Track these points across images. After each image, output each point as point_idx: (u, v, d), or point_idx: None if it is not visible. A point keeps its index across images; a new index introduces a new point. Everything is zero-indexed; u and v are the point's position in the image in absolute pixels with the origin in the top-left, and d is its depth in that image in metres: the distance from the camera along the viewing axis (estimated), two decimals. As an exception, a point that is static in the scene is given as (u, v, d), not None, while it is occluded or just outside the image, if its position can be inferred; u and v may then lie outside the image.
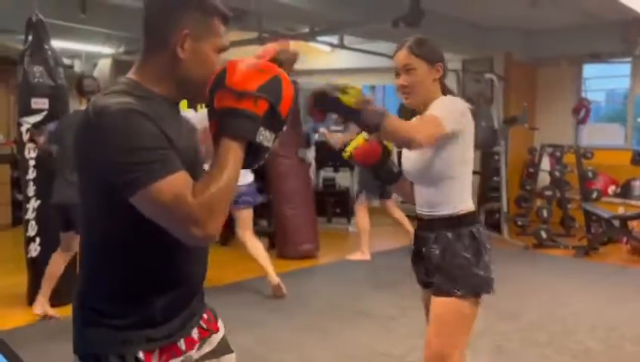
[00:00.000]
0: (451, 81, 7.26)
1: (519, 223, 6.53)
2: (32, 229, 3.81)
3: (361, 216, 5.20)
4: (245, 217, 4.04)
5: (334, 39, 6.31)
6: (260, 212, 6.32)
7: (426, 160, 1.84)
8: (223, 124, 1.10)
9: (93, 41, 6.48)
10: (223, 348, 1.35)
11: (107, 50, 6.71)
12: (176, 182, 1.04)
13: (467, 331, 1.87)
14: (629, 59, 6.73)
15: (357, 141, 1.92)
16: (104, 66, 6.37)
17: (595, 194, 5.98)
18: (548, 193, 6.05)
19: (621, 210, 6.22)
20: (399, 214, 5.21)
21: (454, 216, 1.85)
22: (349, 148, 1.93)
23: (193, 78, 1.17)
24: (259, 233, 5.58)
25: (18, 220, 5.47)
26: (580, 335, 3.44)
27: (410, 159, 1.90)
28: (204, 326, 1.30)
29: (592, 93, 7.65)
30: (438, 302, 1.84)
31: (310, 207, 5.41)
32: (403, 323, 3.61)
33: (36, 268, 3.82)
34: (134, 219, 1.07)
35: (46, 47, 3.78)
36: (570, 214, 6.42)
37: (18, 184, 4.78)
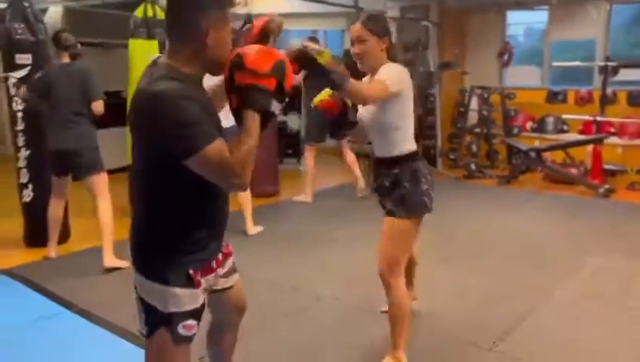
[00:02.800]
0: (392, 29, 7.81)
1: (451, 157, 7.37)
2: (24, 177, 4.12)
3: (308, 160, 5.72)
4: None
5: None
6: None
7: (377, 114, 2.33)
8: (245, 98, 1.46)
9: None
10: (232, 268, 1.79)
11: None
12: (218, 147, 1.40)
13: (408, 244, 2.44)
14: (547, 7, 7.52)
15: (323, 95, 2.38)
16: (55, 14, 6.33)
17: (515, 130, 6.86)
18: (477, 130, 6.86)
19: (537, 143, 7.16)
20: (351, 158, 5.76)
21: (399, 156, 2.37)
22: (316, 101, 2.40)
23: (217, 59, 1.50)
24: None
25: None
26: (504, 246, 4.27)
27: (366, 113, 2.37)
28: (224, 250, 1.73)
29: (514, 34, 8.43)
30: (387, 221, 2.42)
31: (273, 152, 5.93)
32: (365, 245, 4.31)
33: (30, 211, 4.16)
34: (186, 175, 1.42)
35: (26, 4, 3.96)
36: (495, 148, 7.33)
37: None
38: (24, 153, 4.08)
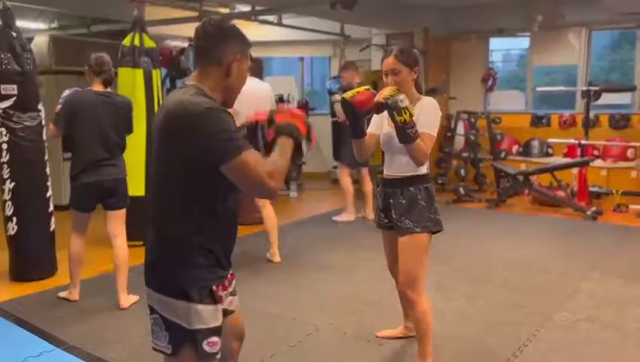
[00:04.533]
0: (380, 56, 7.90)
1: (440, 182, 7.39)
2: (9, 209, 3.99)
3: (345, 180, 5.80)
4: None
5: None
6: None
7: None
8: (281, 127, 1.66)
9: (24, 17, 6.39)
10: (235, 290, 1.83)
11: (40, 25, 6.63)
12: (254, 154, 1.51)
13: (426, 260, 2.54)
14: (528, 33, 7.68)
15: (358, 89, 2.45)
16: (41, 43, 6.28)
17: (503, 154, 6.93)
18: (465, 154, 6.91)
19: (523, 167, 7.24)
20: (369, 187, 5.83)
21: (418, 175, 2.52)
22: (351, 92, 2.42)
23: (235, 87, 1.66)
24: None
25: None
26: (500, 270, 4.25)
27: (393, 136, 2.43)
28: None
29: (495, 57, 8.59)
30: (406, 239, 2.51)
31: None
32: (360, 270, 4.27)
33: (15, 244, 4.03)
34: (217, 188, 1.55)
35: (13, 33, 3.91)
36: (482, 172, 7.38)
37: None
38: (9, 185, 3.96)
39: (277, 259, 4.52)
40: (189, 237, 1.56)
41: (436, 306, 3.37)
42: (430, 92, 7.17)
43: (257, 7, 5.91)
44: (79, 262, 3.64)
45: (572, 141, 6.80)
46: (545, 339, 3.04)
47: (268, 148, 1.66)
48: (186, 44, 6.13)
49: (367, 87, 2.48)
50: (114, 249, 3.59)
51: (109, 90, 3.56)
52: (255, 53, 9.16)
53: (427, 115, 2.43)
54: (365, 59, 8.27)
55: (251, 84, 3.34)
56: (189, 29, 7.04)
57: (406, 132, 2.28)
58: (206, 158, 1.49)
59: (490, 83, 8.09)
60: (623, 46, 9.06)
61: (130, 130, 3.64)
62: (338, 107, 5.72)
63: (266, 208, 4.54)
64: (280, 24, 6.50)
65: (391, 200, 2.57)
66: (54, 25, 6.54)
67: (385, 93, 2.32)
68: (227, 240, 1.66)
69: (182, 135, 1.50)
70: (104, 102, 3.48)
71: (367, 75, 7.77)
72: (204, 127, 1.47)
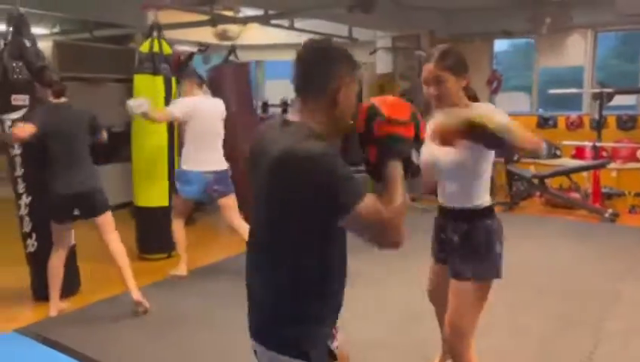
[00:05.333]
0: (386, 58, 7.84)
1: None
2: (27, 225, 3.79)
3: None
4: (232, 204, 4.13)
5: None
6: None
7: (465, 158, 2.02)
8: (387, 148, 1.42)
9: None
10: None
11: (41, 30, 6.40)
12: (373, 200, 1.33)
13: (476, 311, 2.12)
14: (534, 35, 7.67)
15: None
16: (45, 49, 6.05)
17: (516, 157, 6.88)
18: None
19: (532, 169, 7.21)
20: None
21: (475, 209, 2.08)
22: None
23: (344, 116, 1.46)
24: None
25: None
26: (531, 275, 4.15)
27: (445, 157, 2.06)
28: None
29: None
30: (456, 285, 2.11)
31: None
32: (393, 281, 4.15)
33: (36, 262, 3.83)
34: (334, 237, 1.39)
35: (25, 41, 3.71)
36: (492, 175, 7.32)
37: None
38: (25, 200, 3.76)
39: None
40: (308, 289, 1.41)
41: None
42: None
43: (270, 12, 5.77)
44: (58, 276, 3.62)
45: (587, 143, 6.79)
46: (607, 350, 2.95)
47: (373, 173, 1.44)
48: (195, 49, 5.98)
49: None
50: (111, 251, 3.58)
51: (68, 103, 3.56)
52: (252, 56, 9.00)
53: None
54: (369, 62, 8.19)
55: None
56: (198, 34, 6.82)
57: (501, 142, 1.79)
58: (323, 210, 1.32)
59: (495, 85, 8.05)
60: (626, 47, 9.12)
61: (102, 129, 3.69)
62: None
63: (242, 229, 4.15)
64: (292, 27, 6.37)
65: (442, 235, 2.21)
66: (56, 30, 6.32)
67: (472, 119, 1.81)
68: (342, 291, 1.50)
69: (294, 188, 1.34)
70: (71, 112, 3.51)
71: (374, 79, 7.69)
72: (319, 176, 1.30)
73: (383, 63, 8.04)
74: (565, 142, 7.12)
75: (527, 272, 4.24)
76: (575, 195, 6.28)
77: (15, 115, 3.65)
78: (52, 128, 3.44)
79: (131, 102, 3.93)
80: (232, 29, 8.57)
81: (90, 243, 3.89)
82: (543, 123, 7.68)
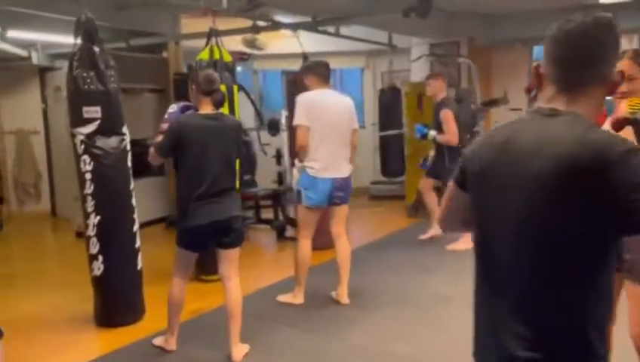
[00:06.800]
0: (423, 66, 7.62)
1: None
2: (94, 247, 3.52)
3: (430, 197, 5.42)
4: (345, 212, 4.00)
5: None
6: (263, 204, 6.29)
7: None
8: None
9: (61, 30, 5.91)
10: None
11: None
12: None
13: None
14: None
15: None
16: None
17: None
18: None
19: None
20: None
21: None
22: None
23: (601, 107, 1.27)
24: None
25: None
26: None
27: None
28: None
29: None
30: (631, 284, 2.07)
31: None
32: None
33: (102, 286, 3.57)
34: (609, 261, 1.14)
35: (95, 49, 3.46)
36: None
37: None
38: (93, 220, 3.49)
39: (345, 300, 3.89)
40: (585, 325, 1.14)
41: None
42: (490, 103, 6.91)
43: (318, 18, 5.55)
44: (179, 307, 3.20)
45: None
46: None
47: None
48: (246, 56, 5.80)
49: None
50: (226, 292, 3.15)
51: (218, 111, 3.14)
52: (285, 65, 8.73)
53: None
54: (402, 69, 7.98)
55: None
56: (236, 42, 6.54)
57: None
58: (619, 221, 1.07)
59: (534, 93, 7.84)
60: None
61: (240, 154, 3.24)
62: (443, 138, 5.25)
63: (342, 238, 3.98)
64: (337, 34, 6.15)
65: None
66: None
67: (629, 105, 1.96)
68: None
69: (589, 190, 1.08)
70: (218, 127, 3.05)
71: (410, 87, 7.47)
72: (625, 177, 1.05)
73: (418, 71, 7.82)
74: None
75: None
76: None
77: (87, 129, 3.39)
78: (181, 145, 3.08)
79: None
80: (261, 37, 8.37)
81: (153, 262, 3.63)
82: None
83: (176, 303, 3.17)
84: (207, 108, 3.06)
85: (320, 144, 3.72)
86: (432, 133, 5.29)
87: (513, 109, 7.35)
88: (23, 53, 6.25)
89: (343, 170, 3.84)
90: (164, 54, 6.96)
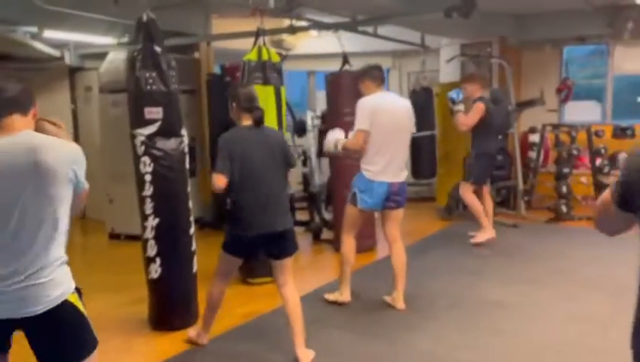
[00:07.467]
0: (453, 66, 7.56)
1: (525, 199, 7.03)
2: (152, 249, 3.48)
3: (470, 198, 5.40)
4: (401, 216, 3.98)
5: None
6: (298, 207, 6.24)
7: None
8: None
9: (92, 30, 5.89)
10: None
11: (108, 40, 6.12)
12: None
13: None
14: (609, 41, 7.42)
15: None
16: (118, 61, 5.76)
17: (606, 169, 6.61)
18: (565, 170, 6.54)
19: (612, 181, 6.92)
20: (489, 204, 5.53)
21: None
22: None
23: None
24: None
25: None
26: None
27: None
28: None
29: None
30: None
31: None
32: (533, 308, 3.82)
33: (158, 290, 3.52)
34: None
35: (157, 49, 3.42)
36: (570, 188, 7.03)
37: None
38: (152, 222, 3.45)
39: (401, 305, 3.85)
40: None
41: None
42: (526, 104, 6.85)
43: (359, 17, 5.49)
44: (217, 307, 3.26)
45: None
46: None
47: None
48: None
49: None
50: (284, 297, 3.15)
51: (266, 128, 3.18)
52: (310, 66, 8.72)
53: None
54: (431, 69, 7.91)
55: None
56: (250, 43, 6.47)
57: None
58: None
59: (565, 94, 7.78)
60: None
61: (293, 165, 3.21)
62: (460, 117, 5.33)
63: (398, 243, 3.94)
64: (375, 35, 6.09)
65: None
66: (124, 39, 6.01)
67: None
68: None
69: None
70: (266, 140, 3.05)
71: (442, 88, 7.41)
72: None
73: (447, 72, 7.76)
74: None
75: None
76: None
77: (148, 130, 3.35)
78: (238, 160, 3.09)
79: (330, 139, 3.86)
80: (289, 38, 8.32)
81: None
82: (620, 133, 7.39)
83: (215, 304, 3.22)
84: (247, 124, 3.06)
85: (380, 148, 3.68)
86: (458, 107, 5.30)
87: (550, 110, 7.30)
88: (56, 53, 6.21)
89: (400, 175, 3.81)
90: (196, 55, 6.91)
